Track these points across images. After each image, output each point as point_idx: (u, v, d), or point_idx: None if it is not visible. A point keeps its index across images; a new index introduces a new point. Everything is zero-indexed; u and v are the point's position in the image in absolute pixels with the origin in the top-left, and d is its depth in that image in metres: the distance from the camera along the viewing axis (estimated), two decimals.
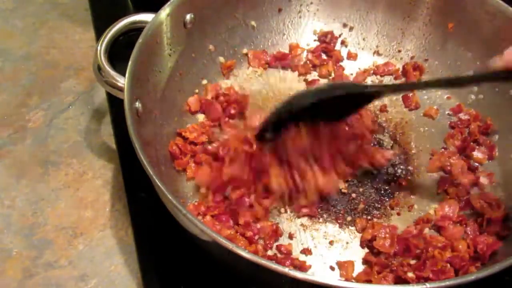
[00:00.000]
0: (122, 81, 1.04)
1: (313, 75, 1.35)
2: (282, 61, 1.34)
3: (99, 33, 1.41)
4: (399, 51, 1.37)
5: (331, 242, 1.08)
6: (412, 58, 1.36)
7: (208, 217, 1.06)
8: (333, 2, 1.36)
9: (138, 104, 1.03)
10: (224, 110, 1.23)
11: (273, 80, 1.33)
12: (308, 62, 1.35)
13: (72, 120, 1.30)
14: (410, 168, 1.20)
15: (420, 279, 0.99)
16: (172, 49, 1.17)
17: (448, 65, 1.33)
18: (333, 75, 1.34)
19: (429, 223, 1.11)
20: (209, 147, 1.15)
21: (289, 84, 1.33)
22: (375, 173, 1.18)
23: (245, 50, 1.33)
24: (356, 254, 1.07)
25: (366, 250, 1.07)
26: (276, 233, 1.07)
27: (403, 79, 1.33)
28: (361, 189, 1.16)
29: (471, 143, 1.22)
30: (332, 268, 1.05)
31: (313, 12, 1.37)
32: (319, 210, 1.12)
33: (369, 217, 1.12)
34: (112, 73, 1.06)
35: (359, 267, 1.05)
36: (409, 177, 1.18)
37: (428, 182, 1.19)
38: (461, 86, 1.21)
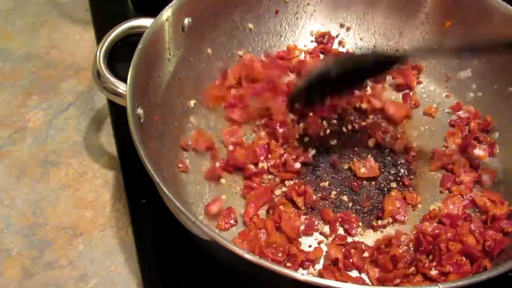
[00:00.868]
0: (122, 87, 1.05)
1: None
2: (282, 60, 1.34)
3: (99, 33, 1.42)
4: (397, 50, 1.37)
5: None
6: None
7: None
8: (330, 3, 1.36)
9: (140, 111, 1.03)
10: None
11: None
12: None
13: (72, 120, 1.30)
14: (412, 167, 1.20)
15: (441, 275, 1.01)
16: (171, 53, 1.17)
17: (446, 64, 1.33)
18: None
19: (435, 219, 1.12)
20: None
21: None
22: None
23: (241, 53, 1.33)
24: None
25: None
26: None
27: (401, 80, 1.34)
28: (365, 190, 1.17)
29: (472, 141, 1.22)
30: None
31: (310, 13, 1.37)
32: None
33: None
34: (112, 79, 1.06)
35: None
36: (411, 177, 1.19)
37: (431, 181, 1.19)
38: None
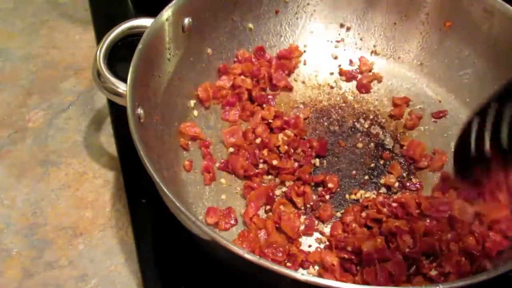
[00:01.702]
0: (122, 87, 1.05)
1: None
2: (284, 60, 1.35)
3: (99, 33, 1.42)
4: (397, 50, 1.37)
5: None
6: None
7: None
8: (330, 3, 1.36)
9: (140, 111, 1.03)
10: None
11: None
12: None
13: (72, 120, 1.30)
14: (412, 168, 1.20)
15: (441, 276, 1.01)
16: (171, 53, 1.17)
17: (446, 64, 1.33)
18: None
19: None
20: None
21: None
22: (376, 174, 1.19)
23: (241, 52, 1.33)
24: None
25: None
26: None
27: None
28: (365, 192, 1.16)
29: None
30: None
31: (310, 13, 1.37)
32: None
33: None
34: (112, 79, 1.06)
35: None
36: (411, 177, 1.19)
37: (432, 181, 1.19)
38: None
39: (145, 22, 1.12)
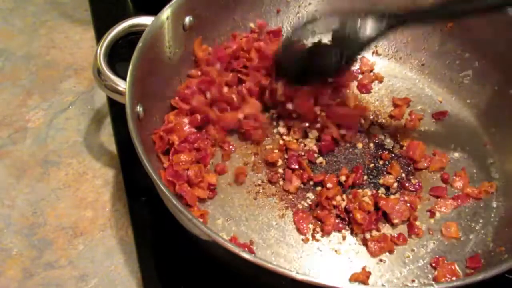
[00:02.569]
0: (122, 85, 1.05)
1: None
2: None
3: (99, 33, 1.42)
4: (398, 51, 1.37)
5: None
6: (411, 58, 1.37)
7: None
8: (331, 3, 1.36)
9: (139, 108, 1.03)
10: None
11: None
12: None
13: (72, 120, 1.30)
14: (411, 168, 1.20)
15: None
16: (172, 52, 1.17)
17: (447, 65, 1.33)
18: None
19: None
20: None
21: None
22: (375, 175, 1.19)
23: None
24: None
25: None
26: None
27: None
28: (367, 191, 1.16)
29: None
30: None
31: (311, 13, 1.36)
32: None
33: None
34: (112, 77, 1.06)
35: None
36: (410, 178, 1.18)
37: (431, 182, 1.18)
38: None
39: (146, 20, 1.12)
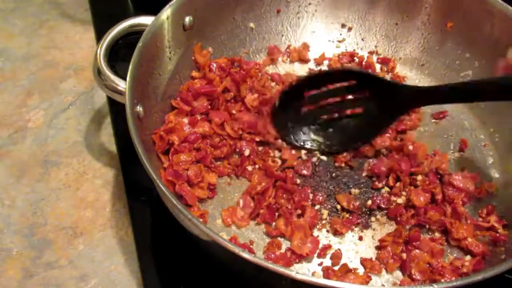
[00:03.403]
0: (122, 85, 1.05)
1: None
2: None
3: (99, 33, 1.42)
4: (398, 51, 1.37)
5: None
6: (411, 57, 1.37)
7: None
8: (332, 3, 1.36)
9: (139, 108, 1.03)
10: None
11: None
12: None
13: (72, 120, 1.30)
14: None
15: None
16: (172, 52, 1.17)
17: (447, 65, 1.33)
18: None
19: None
20: None
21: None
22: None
23: (242, 52, 1.33)
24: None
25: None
26: None
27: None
28: (368, 190, 1.16)
29: None
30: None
31: (311, 13, 1.37)
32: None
33: (378, 216, 1.12)
34: (112, 77, 1.06)
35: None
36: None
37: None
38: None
39: (146, 20, 1.12)
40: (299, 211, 1.09)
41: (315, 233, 1.08)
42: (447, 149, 1.23)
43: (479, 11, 1.24)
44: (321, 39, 1.39)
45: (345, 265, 1.02)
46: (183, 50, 1.20)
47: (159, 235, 1.11)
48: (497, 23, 1.22)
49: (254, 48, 1.34)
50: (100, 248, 1.10)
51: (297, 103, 1.18)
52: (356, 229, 1.10)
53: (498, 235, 1.06)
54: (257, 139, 1.19)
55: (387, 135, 1.20)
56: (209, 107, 1.19)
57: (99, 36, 1.38)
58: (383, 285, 1.03)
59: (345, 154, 1.19)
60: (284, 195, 1.11)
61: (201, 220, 0.99)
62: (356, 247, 1.07)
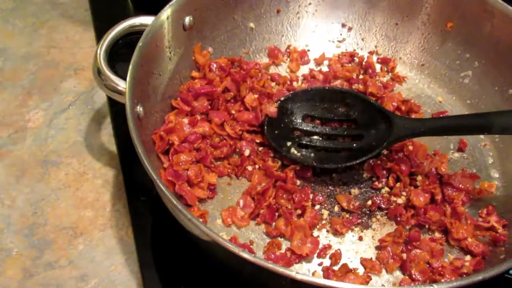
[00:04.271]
0: (122, 84, 1.05)
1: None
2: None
3: (99, 33, 1.42)
4: (398, 51, 1.37)
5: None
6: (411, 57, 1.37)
7: None
8: (332, 3, 1.36)
9: (139, 108, 1.03)
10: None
11: None
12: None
13: (72, 120, 1.30)
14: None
15: None
16: (172, 52, 1.17)
17: (447, 65, 1.33)
18: None
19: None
20: None
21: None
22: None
23: (242, 52, 1.33)
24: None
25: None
26: None
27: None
28: (368, 190, 1.16)
29: None
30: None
31: (311, 13, 1.37)
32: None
33: (378, 216, 1.12)
34: (112, 77, 1.06)
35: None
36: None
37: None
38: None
39: (146, 20, 1.12)
40: (299, 211, 1.10)
41: (315, 233, 1.08)
42: (447, 149, 1.23)
43: (479, 11, 1.24)
44: (321, 39, 1.39)
45: (345, 265, 1.02)
46: (183, 50, 1.20)
47: (159, 235, 1.11)
48: (497, 23, 1.22)
49: (254, 48, 1.34)
50: (100, 248, 1.10)
51: (288, 119, 1.21)
52: (356, 229, 1.10)
53: (498, 235, 1.06)
54: (257, 139, 1.19)
55: None
56: (209, 107, 1.19)
57: (99, 36, 1.38)
58: (383, 285, 1.03)
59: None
60: (284, 195, 1.11)
61: (201, 220, 0.99)
62: (356, 247, 1.07)
